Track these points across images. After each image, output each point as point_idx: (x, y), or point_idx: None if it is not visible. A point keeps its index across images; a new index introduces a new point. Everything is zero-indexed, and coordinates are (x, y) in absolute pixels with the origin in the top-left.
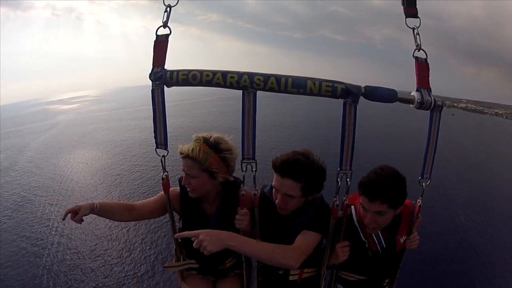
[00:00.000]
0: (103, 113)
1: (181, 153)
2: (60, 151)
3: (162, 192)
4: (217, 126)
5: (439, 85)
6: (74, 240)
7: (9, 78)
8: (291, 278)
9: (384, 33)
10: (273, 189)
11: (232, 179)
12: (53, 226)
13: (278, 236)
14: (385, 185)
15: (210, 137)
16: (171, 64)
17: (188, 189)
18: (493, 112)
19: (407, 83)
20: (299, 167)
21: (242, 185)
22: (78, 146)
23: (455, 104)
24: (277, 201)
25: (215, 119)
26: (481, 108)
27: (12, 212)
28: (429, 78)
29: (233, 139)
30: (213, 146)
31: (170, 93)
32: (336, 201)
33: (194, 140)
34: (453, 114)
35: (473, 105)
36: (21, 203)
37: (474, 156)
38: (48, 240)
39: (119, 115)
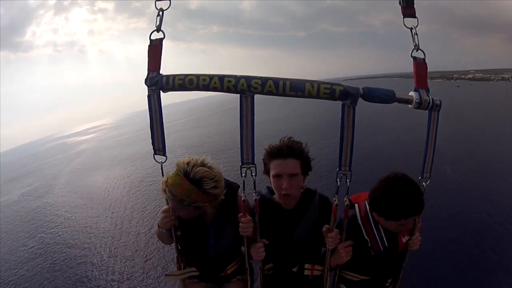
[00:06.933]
0: (124, 137)
1: (163, 187)
2: (94, 172)
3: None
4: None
5: (446, 61)
6: None
7: (17, 117)
8: (306, 273)
9: (383, 18)
10: (275, 178)
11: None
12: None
13: (288, 233)
14: (418, 201)
15: (196, 173)
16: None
17: None
18: (499, 78)
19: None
20: (295, 146)
21: (242, 191)
22: (111, 166)
23: (463, 76)
24: (283, 186)
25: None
26: (487, 75)
27: (56, 227)
28: (435, 55)
29: (231, 146)
30: (196, 183)
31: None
32: (336, 200)
33: (176, 170)
34: (458, 86)
35: (480, 74)
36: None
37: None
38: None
39: (141, 136)
